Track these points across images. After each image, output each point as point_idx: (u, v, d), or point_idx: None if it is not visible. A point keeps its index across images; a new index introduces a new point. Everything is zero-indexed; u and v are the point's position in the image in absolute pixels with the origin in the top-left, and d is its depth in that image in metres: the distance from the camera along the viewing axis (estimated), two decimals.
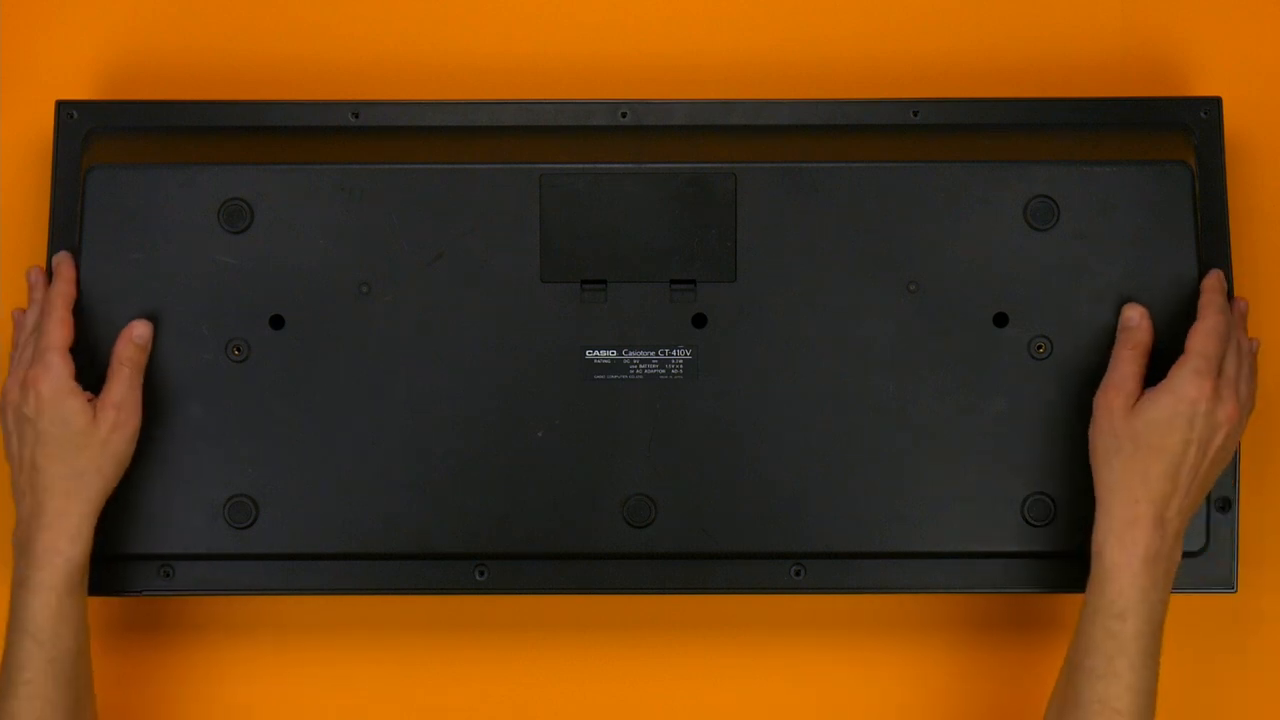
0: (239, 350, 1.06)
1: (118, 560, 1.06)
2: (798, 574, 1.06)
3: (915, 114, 1.09)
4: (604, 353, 1.05)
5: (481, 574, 1.06)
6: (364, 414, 1.05)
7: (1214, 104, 1.08)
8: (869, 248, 1.05)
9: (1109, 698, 0.99)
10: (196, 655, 1.14)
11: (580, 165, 1.06)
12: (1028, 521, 1.05)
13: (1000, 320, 1.06)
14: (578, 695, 1.14)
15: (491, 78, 1.15)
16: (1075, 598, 1.12)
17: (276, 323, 1.06)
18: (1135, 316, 1.04)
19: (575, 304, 1.06)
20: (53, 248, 1.08)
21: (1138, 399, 1.01)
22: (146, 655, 1.14)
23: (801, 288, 1.06)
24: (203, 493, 1.06)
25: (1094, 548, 1.00)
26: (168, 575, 1.06)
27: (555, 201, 1.06)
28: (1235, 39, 1.15)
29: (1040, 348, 1.05)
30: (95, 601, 1.12)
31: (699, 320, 1.06)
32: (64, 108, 1.10)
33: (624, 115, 1.09)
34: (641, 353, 1.05)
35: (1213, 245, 1.07)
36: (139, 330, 1.05)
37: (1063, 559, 1.06)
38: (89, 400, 1.03)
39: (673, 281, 1.06)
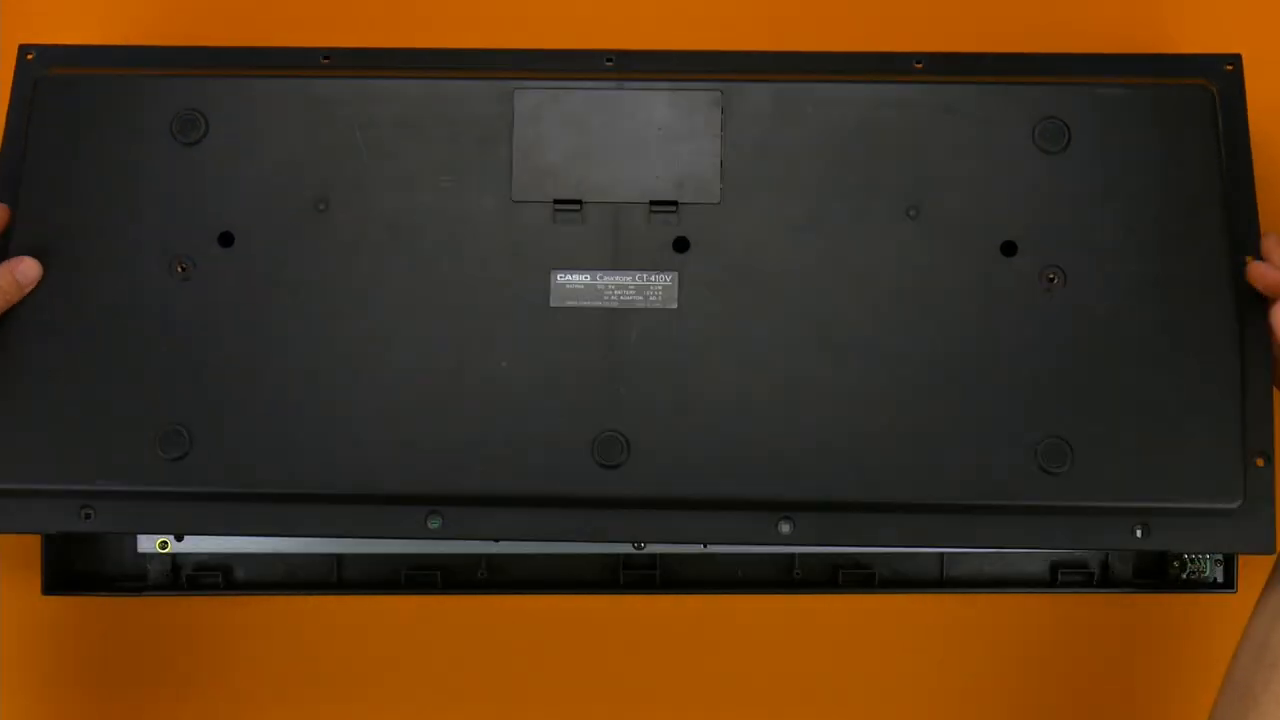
0: (183, 268, 0.99)
1: (31, 496, 0.98)
2: (784, 528, 0.97)
3: (919, 65, 1.03)
4: (576, 276, 0.98)
5: (435, 521, 0.98)
6: (312, 341, 0.98)
7: (1235, 60, 1.02)
8: (865, 170, 0.99)
9: None
10: (196, 654, 1.14)
11: (557, 82, 1.00)
12: (1042, 469, 0.96)
13: (1008, 249, 0.99)
14: (578, 695, 1.14)
15: (475, 30, 1.13)
16: (1077, 599, 1.12)
17: (225, 240, 1.00)
18: None
19: (547, 225, 0.99)
20: None
21: None
22: (144, 656, 1.14)
23: (792, 211, 0.99)
24: (131, 421, 0.97)
25: None
26: (88, 516, 0.98)
27: (529, 118, 1.00)
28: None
29: (1052, 278, 0.98)
30: (88, 602, 1.12)
31: (680, 244, 0.99)
32: (24, 50, 1.06)
33: (609, 62, 1.04)
34: (617, 276, 0.98)
35: (1239, 198, 1.00)
36: (26, 268, 0.99)
37: (1080, 515, 0.97)
38: None
39: (653, 204, 1.00)
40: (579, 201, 1.00)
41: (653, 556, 1.10)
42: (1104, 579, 1.10)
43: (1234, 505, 0.95)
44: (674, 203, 1.00)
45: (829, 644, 1.14)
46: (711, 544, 0.99)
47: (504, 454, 0.96)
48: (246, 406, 0.98)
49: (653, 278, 0.98)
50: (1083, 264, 0.98)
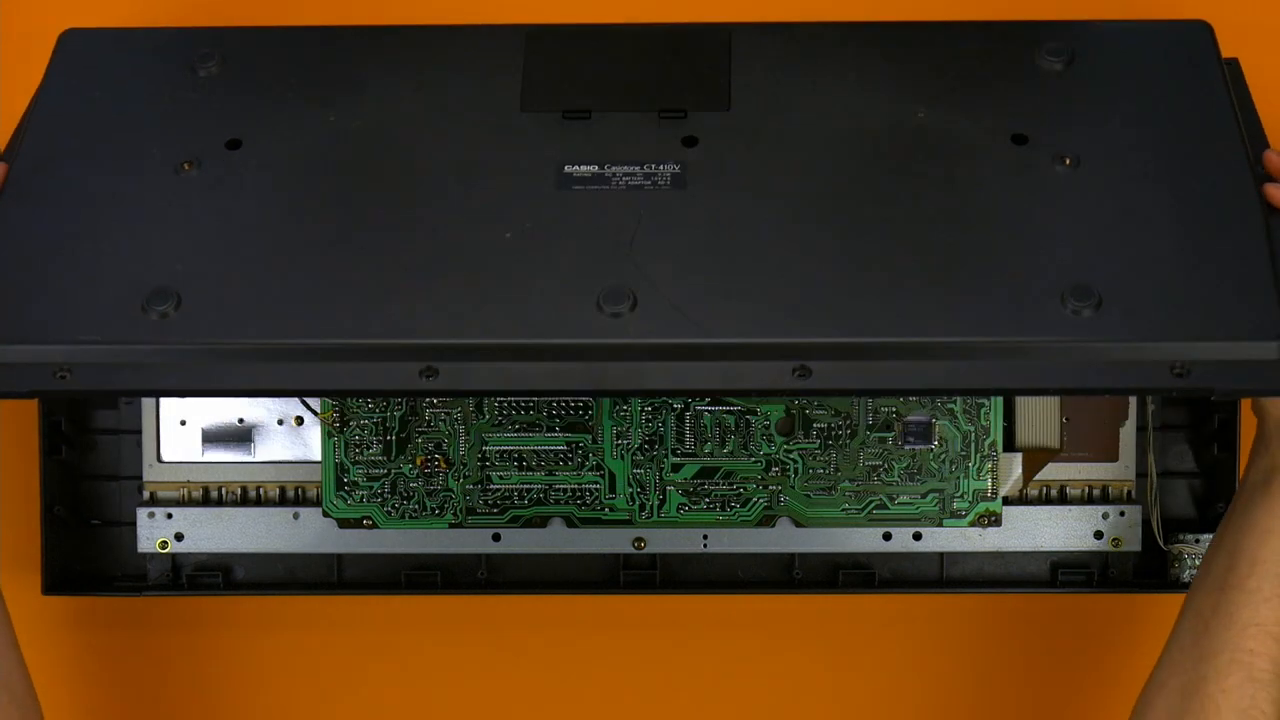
0: (189, 165, 0.98)
1: (7, 358, 0.93)
2: (800, 375, 0.91)
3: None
4: (584, 167, 0.97)
5: (430, 375, 0.92)
6: (312, 207, 0.96)
7: (1205, 27, 1.02)
8: (873, 97, 0.99)
9: (1269, 621, 0.94)
10: (193, 655, 1.14)
11: (568, 25, 1.03)
12: (1072, 312, 0.91)
13: (1019, 139, 0.97)
14: (578, 695, 1.14)
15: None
16: (1077, 599, 1.12)
17: (233, 145, 0.99)
18: None
19: (555, 129, 0.99)
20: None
21: None
22: (144, 656, 1.14)
23: (801, 116, 0.99)
24: (115, 283, 0.93)
25: (1277, 464, 0.96)
26: (63, 378, 0.92)
27: (540, 53, 1.02)
28: None
29: (1066, 160, 0.96)
30: (88, 602, 1.12)
31: (689, 141, 0.98)
32: (65, 36, 1.05)
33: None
34: (625, 166, 0.97)
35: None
36: None
37: (1114, 358, 0.91)
38: None
39: (661, 112, 1.00)
40: (588, 111, 1.00)
41: (653, 556, 1.10)
42: (1104, 579, 1.10)
43: (1273, 343, 0.91)
44: (683, 110, 1.00)
45: (829, 644, 1.14)
46: (722, 394, 0.95)
47: (504, 306, 0.92)
48: (237, 266, 0.94)
49: (661, 166, 0.97)
50: (1095, 151, 0.97)
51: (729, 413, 1.09)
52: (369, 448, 1.09)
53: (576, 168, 0.97)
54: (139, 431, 1.10)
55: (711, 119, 0.99)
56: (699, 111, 0.99)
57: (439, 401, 1.09)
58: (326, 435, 1.09)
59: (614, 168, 0.97)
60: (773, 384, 0.90)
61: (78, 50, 1.03)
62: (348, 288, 0.93)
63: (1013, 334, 0.91)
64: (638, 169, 0.97)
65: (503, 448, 1.09)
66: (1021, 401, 1.09)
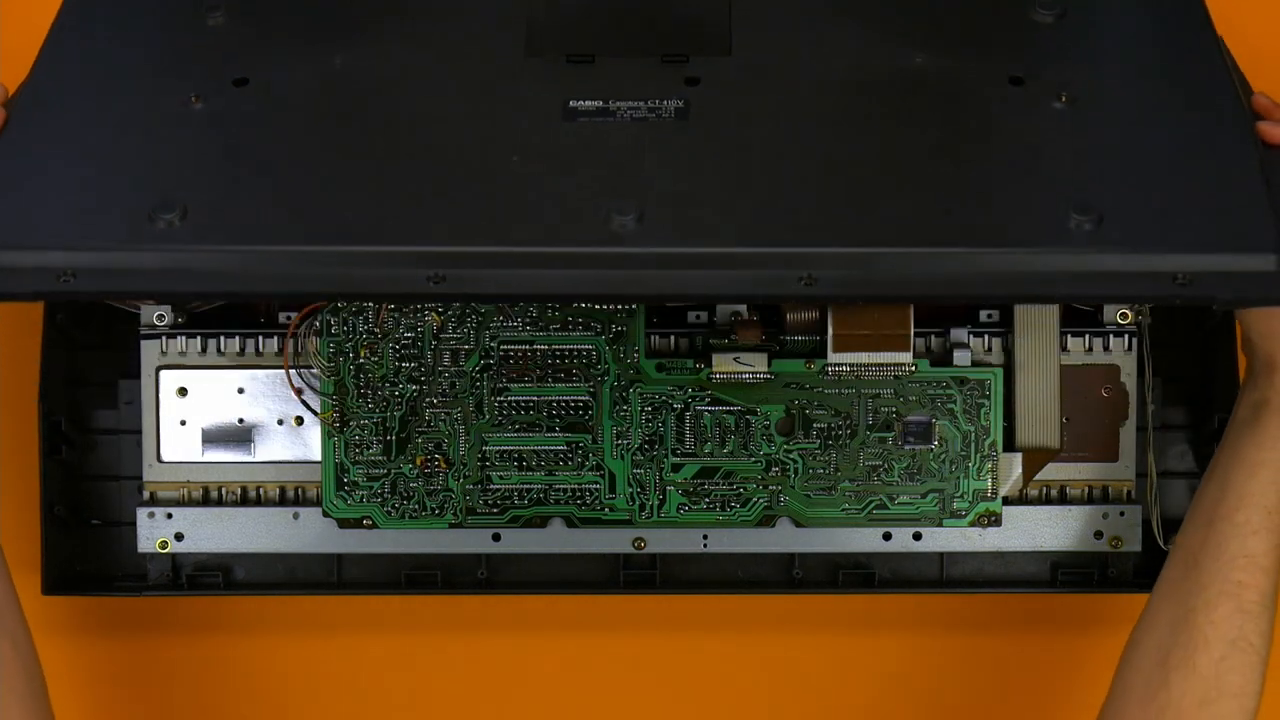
0: (197, 99, 0.98)
1: (11, 263, 0.93)
2: (806, 284, 0.91)
3: None
4: (589, 102, 0.98)
5: (437, 279, 0.91)
6: (320, 137, 0.97)
7: None
8: (872, 44, 1.01)
9: (1258, 553, 0.96)
10: (192, 655, 1.14)
11: None
12: (1075, 224, 0.92)
13: (1015, 81, 0.99)
14: (576, 696, 1.14)
15: None
16: (1077, 599, 1.12)
17: (240, 83, 1.00)
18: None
19: (560, 70, 1.01)
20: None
21: None
22: (144, 656, 1.14)
23: (801, 61, 1.01)
24: (123, 192, 0.94)
25: (1268, 400, 0.98)
26: (67, 281, 0.91)
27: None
28: None
29: (1064, 97, 0.98)
30: (88, 602, 1.12)
31: (692, 81, 1.00)
32: None
33: None
34: (630, 102, 0.98)
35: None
36: None
37: (1117, 268, 0.92)
38: None
39: (664, 56, 1.01)
40: (591, 55, 1.01)
41: (653, 556, 1.10)
42: (1104, 579, 1.10)
43: (1271, 255, 0.92)
44: (685, 55, 1.01)
45: (829, 644, 1.14)
46: (730, 300, 0.97)
47: (511, 218, 0.93)
48: (244, 182, 0.95)
49: (665, 102, 0.99)
50: (1091, 91, 0.98)
51: (729, 413, 1.09)
52: (369, 448, 1.09)
53: (581, 102, 0.98)
54: (139, 431, 1.10)
55: (713, 63, 1.01)
56: (701, 56, 1.01)
57: (439, 401, 1.09)
58: (326, 435, 1.09)
59: (618, 103, 0.98)
60: (780, 290, 0.91)
61: None
62: (356, 202, 0.94)
63: (1016, 245, 0.92)
64: (642, 104, 0.98)
65: (503, 448, 1.09)
66: (1021, 401, 1.09)
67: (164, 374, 1.10)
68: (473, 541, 1.09)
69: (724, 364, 1.08)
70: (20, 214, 0.93)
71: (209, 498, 1.10)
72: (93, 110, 0.98)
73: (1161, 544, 1.07)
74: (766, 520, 1.09)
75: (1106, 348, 1.10)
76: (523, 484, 1.09)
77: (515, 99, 0.99)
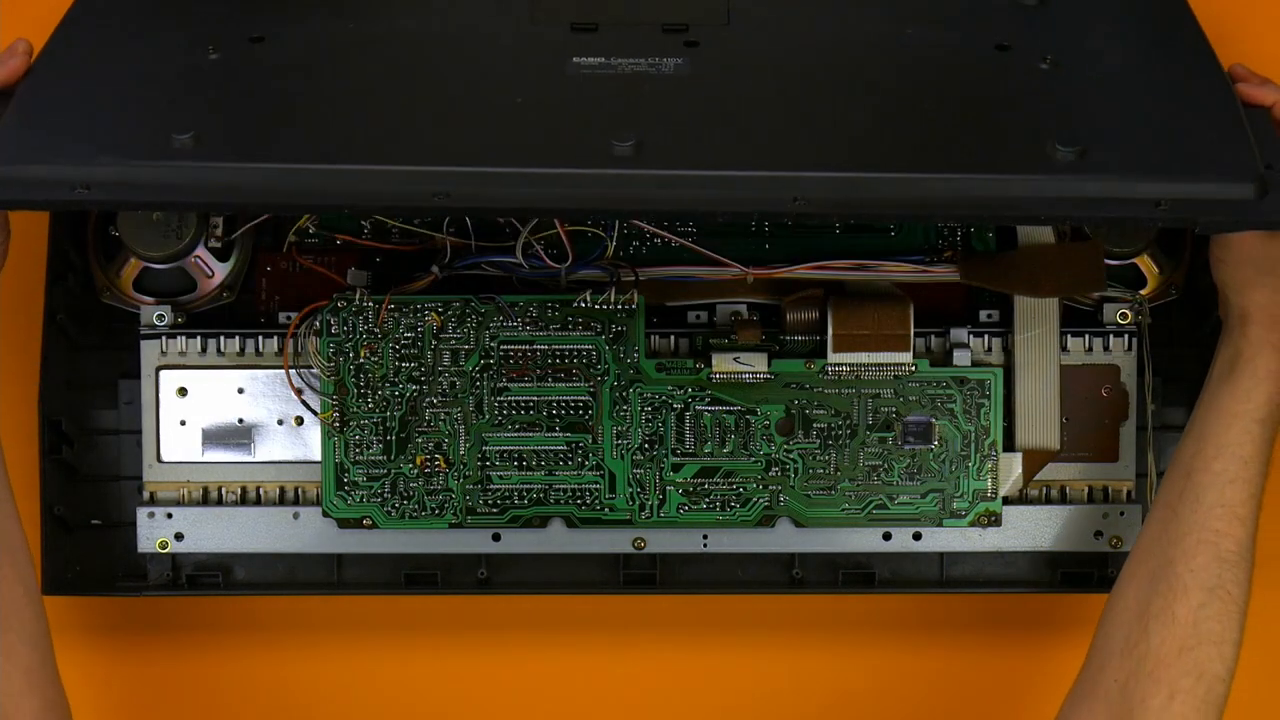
0: (214, 50, 1.01)
1: (24, 183, 0.94)
2: (797, 202, 0.93)
3: None
4: (591, 59, 1.02)
5: (442, 196, 0.93)
6: (333, 81, 1.01)
7: None
8: (864, 17, 1.05)
9: (1235, 502, 0.97)
10: (193, 654, 1.14)
11: None
12: (1057, 151, 0.94)
13: (1001, 48, 1.03)
14: (576, 696, 1.14)
15: None
16: (1077, 599, 1.12)
17: (256, 40, 1.02)
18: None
19: (564, 37, 1.04)
20: None
21: None
22: (144, 656, 1.14)
23: (797, 31, 1.05)
24: (139, 119, 0.97)
25: (1241, 352, 1.00)
26: (84, 190, 0.93)
27: None
28: None
29: (1048, 59, 1.02)
30: (88, 602, 1.12)
31: (692, 44, 1.04)
32: None
33: None
34: (631, 59, 1.02)
35: None
36: (21, 44, 1.00)
37: (1099, 192, 0.95)
38: None
39: (665, 26, 1.04)
40: (595, 25, 1.04)
41: (653, 556, 1.10)
42: (1104, 579, 1.10)
43: (1249, 184, 0.94)
44: (685, 25, 1.04)
45: (829, 644, 1.14)
46: (728, 215, 0.98)
47: (517, 140, 0.96)
48: (257, 112, 0.99)
49: (665, 59, 1.02)
50: (1074, 56, 1.01)
51: (729, 413, 1.09)
52: (369, 448, 1.09)
53: (584, 59, 1.01)
54: (139, 431, 1.10)
55: (712, 30, 1.04)
56: (700, 25, 1.04)
57: (439, 401, 1.09)
58: (326, 435, 1.09)
59: (620, 60, 1.01)
60: (772, 208, 0.94)
61: None
62: (365, 131, 0.97)
63: (1000, 172, 0.94)
64: (643, 60, 1.01)
65: (503, 448, 1.09)
66: (1021, 401, 1.09)
67: (164, 374, 1.10)
68: (472, 541, 1.09)
69: (724, 364, 1.08)
70: (40, 134, 0.96)
71: (209, 498, 1.10)
72: (116, 56, 1.01)
73: None
74: (766, 520, 1.09)
75: (1106, 348, 1.10)
76: (523, 484, 1.09)
77: (520, 56, 1.02)
